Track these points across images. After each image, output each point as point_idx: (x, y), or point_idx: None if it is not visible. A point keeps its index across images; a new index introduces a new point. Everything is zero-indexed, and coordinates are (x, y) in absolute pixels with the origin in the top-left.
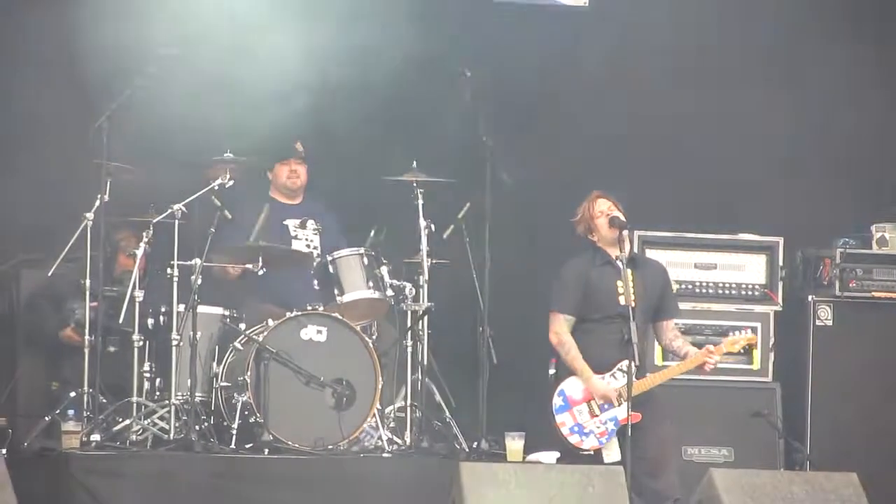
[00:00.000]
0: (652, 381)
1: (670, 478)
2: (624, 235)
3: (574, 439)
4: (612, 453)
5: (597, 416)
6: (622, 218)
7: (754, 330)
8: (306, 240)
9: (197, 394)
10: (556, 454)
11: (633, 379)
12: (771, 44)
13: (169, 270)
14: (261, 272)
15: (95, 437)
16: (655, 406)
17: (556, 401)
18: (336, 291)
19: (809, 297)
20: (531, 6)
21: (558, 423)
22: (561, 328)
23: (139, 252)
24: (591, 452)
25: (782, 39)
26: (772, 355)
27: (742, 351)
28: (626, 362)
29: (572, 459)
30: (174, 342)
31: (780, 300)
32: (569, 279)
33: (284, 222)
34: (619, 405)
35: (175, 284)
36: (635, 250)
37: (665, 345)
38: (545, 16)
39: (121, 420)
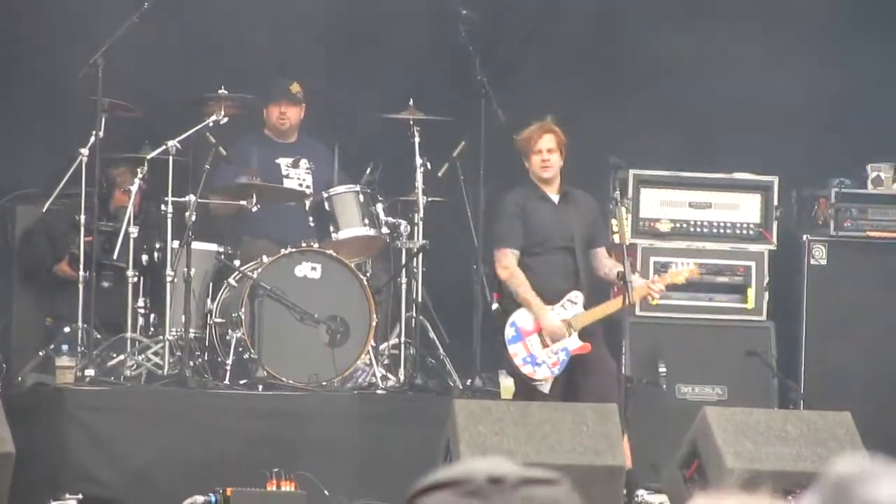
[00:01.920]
0: (600, 311)
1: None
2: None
3: (527, 370)
4: (545, 385)
5: (548, 346)
6: (618, 160)
7: (748, 269)
8: (298, 178)
9: (191, 330)
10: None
11: (575, 314)
12: None
13: (163, 207)
14: (255, 209)
15: (89, 372)
16: (601, 340)
17: (508, 331)
18: (331, 228)
19: (804, 237)
20: None
21: (511, 353)
22: (510, 262)
23: (133, 188)
24: (543, 382)
25: None
26: (766, 294)
27: (685, 282)
28: (574, 293)
29: (521, 391)
30: (168, 278)
31: (774, 239)
32: (508, 214)
33: (276, 160)
34: (569, 336)
35: (169, 221)
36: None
37: (604, 274)
38: None
39: (115, 355)
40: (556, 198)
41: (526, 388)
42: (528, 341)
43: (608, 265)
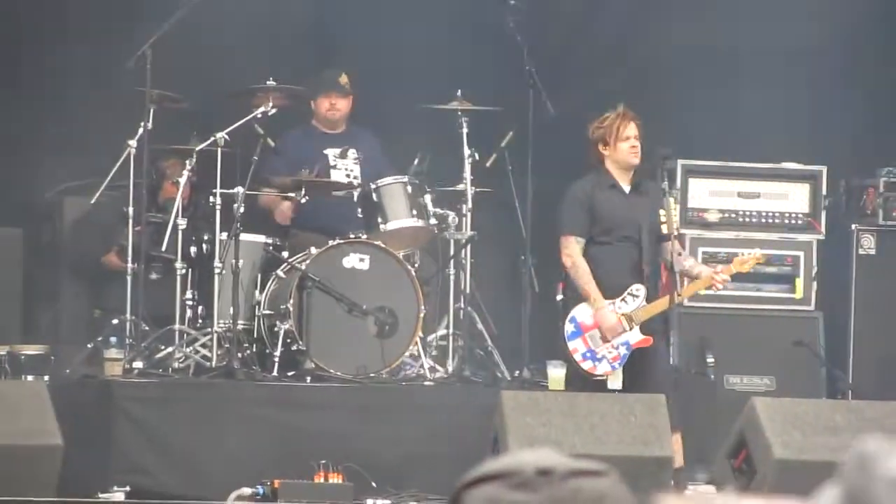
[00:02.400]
0: (661, 304)
1: (674, 407)
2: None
3: (587, 365)
4: (616, 381)
5: (608, 341)
6: (667, 150)
7: (796, 259)
8: (346, 169)
9: (239, 322)
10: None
11: (638, 307)
12: None
13: (212, 198)
14: (303, 200)
15: (138, 364)
16: (661, 337)
17: (568, 327)
18: (379, 219)
19: (853, 226)
20: None
21: (571, 349)
22: (574, 251)
23: (182, 180)
24: (605, 377)
25: None
26: (814, 284)
27: (752, 270)
28: (636, 286)
29: (580, 388)
30: (217, 270)
31: (822, 229)
32: (576, 201)
33: (325, 151)
34: (630, 329)
35: (218, 212)
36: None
37: (672, 265)
38: None
39: (163, 348)
40: (627, 188)
41: (584, 383)
42: (587, 336)
43: (677, 257)
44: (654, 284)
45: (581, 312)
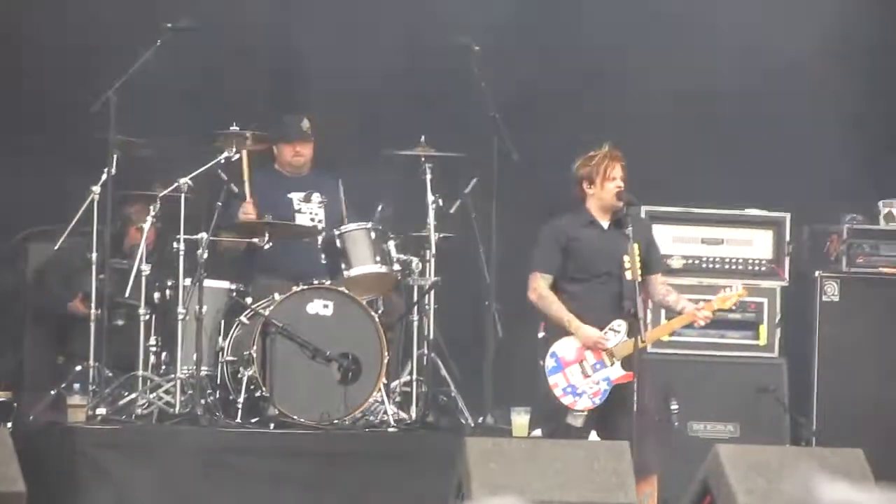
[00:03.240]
0: (645, 340)
1: (653, 449)
2: (625, 210)
3: (567, 400)
4: (579, 418)
5: (589, 376)
6: (632, 197)
7: (760, 305)
8: (311, 213)
9: (203, 368)
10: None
11: (619, 343)
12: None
13: (175, 244)
14: (266, 246)
15: (101, 410)
16: (644, 377)
17: (549, 362)
18: (343, 265)
19: (816, 273)
20: None
21: (551, 384)
22: (539, 284)
23: (146, 226)
24: (585, 413)
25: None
26: (778, 331)
27: (733, 308)
28: (617, 322)
29: (558, 424)
30: (180, 316)
31: (786, 276)
32: (547, 239)
33: (288, 195)
34: (612, 365)
35: (181, 258)
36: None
37: (658, 301)
38: None
39: (127, 394)
40: (605, 224)
41: (555, 420)
42: (567, 371)
43: (661, 292)
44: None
45: (562, 347)
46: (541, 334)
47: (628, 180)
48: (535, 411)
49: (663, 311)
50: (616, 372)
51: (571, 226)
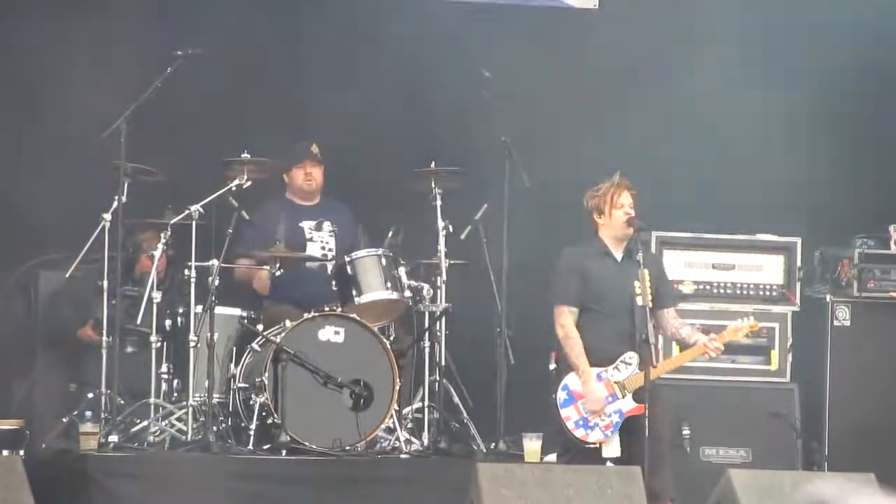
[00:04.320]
0: (656, 371)
1: (667, 477)
2: (636, 237)
3: (580, 433)
4: (612, 448)
5: (595, 413)
6: (640, 223)
7: (772, 330)
8: (321, 242)
9: (214, 395)
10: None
11: (629, 375)
12: (788, 40)
13: (186, 272)
14: (278, 273)
15: (113, 438)
16: (658, 403)
17: (561, 395)
18: (354, 292)
19: (827, 298)
20: (540, 8)
21: (563, 417)
22: (567, 321)
23: (157, 253)
24: (598, 445)
25: (800, 35)
26: (790, 356)
27: (746, 337)
28: (628, 354)
29: (574, 455)
30: (192, 343)
31: (797, 300)
32: (567, 270)
33: (300, 224)
34: (623, 397)
35: (193, 285)
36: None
37: (671, 334)
38: (555, 17)
39: (138, 421)
40: (619, 255)
41: (576, 453)
42: (580, 404)
43: (674, 325)
44: (647, 353)
45: (573, 381)
46: (552, 366)
47: (639, 208)
48: (550, 442)
49: (674, 344)
50: (628, 404)
51: (587, 255)
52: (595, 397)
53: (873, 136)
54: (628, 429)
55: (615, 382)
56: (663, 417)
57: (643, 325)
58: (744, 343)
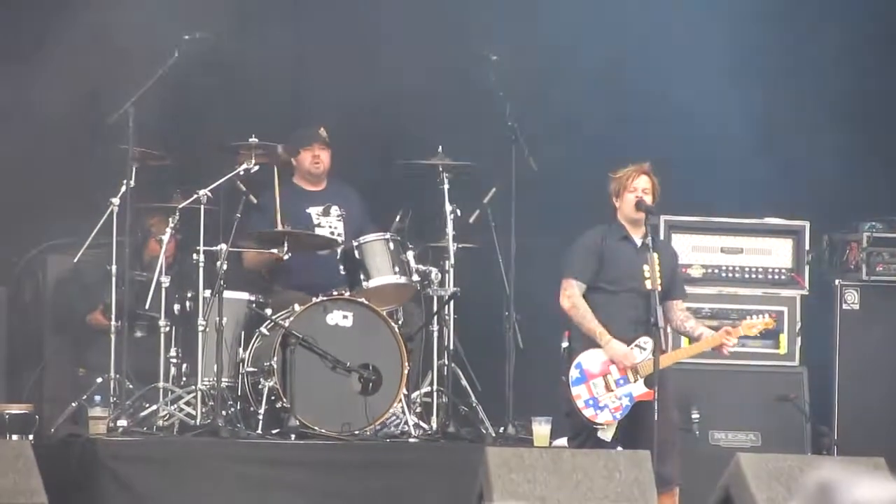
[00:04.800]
0: (668, 359)
1: (675, 463)
2: (647, 220)
3: (589, 412)
4: (607, 432)
5: (612, 390)
6: (648, 203)
7: (780, 314)
8: (329, 226)
9: (223, 379)
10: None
11: (643, 360)
12: (794, 25)
13: (195, 256)
14: (286, 257)
15: (122, 422)
16: (668, 389)
17: (573, 373)
18: (362, 276)
19: (836, 281)
20: None
21: (574, 395)
22: (573, 292)
23: (165, 238)
24: (605, 426)
25: (809, 23)
26: (798, 339)
27: (759, 335)
28: (643, 339)
29: (585, 439)
30: (200, 328)
31: (806, 284)
32: (585, 248)
33: (307, 209)
34: (635, 381)
35: (201, 270)
36: (657, 234)
37: (676, 326)
38: None
39: (147, 406)
40: (638, 241)
41: (584, 434)
42: (591, 384)
43: (680, 318)
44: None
45: (587, 359)
46: (564, 344)
47: (663, 196)
48: (561, 424)
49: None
50: (639, 389)
51: (609, 237)
52: (621, 353)
53: (883, 119)
54: (638, 414)
55: (629, 366)
56: (672, 403)
57: (654, 309)
58: None
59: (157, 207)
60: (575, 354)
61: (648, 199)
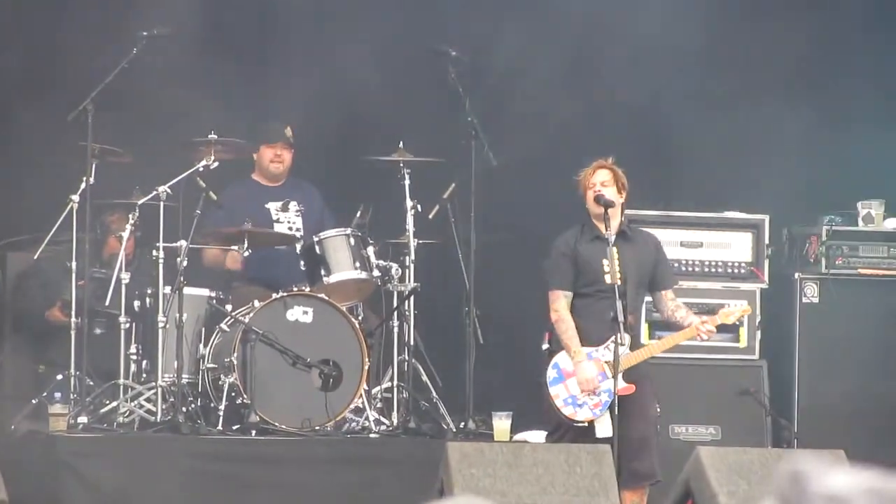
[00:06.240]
0: (645, 353)
1: (652, 459)
2: (610, 213)
3: (568, 411)
4: (604, 427)
5: (586, 391)
6: (607, 197)
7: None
8: (288, 222)
9: (184, 375)
10: (544, 433)
11: (620, 355)
12: (754, 18)
13: (154, 253)
14: (246, 254)
15: (82, 419)
16: (647, 384)
17: (551, 373)
18: (322, 272)
19: (796, 275)
20: None
21: (552, 395)
22: (561, 306)
23: (125, 234)
24: (586, 424)
25: (768, 14)
26: (758, 333)
27: (739, 323)
28: (620, 335)
29: (563, 433)
30: (160, 324)
31: (766, 278)
32: (559, 255)
33: (266, 205)
34: (612, 377)
35: (161, 266)
36: (627, 225)
37: (667, 316)
38: None
39: (108, 402)
40: (612, 238)
41: (566, 431)
42: (569, 383)
43: (670, 307)
44: (639, 332)
45: (564, 359)
46: (545, 346)
47: (624, 190)
48: (541, 421)
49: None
50: (617, 384)
51: (580, 240)
52: (586, 377)
53: (841, 113)
54: (620, 409)
55: (605, 362)
56: (651, 399)
57: (616, 304)
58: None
59: (117, 204)
60: (554, 355)
61: (610, 192)
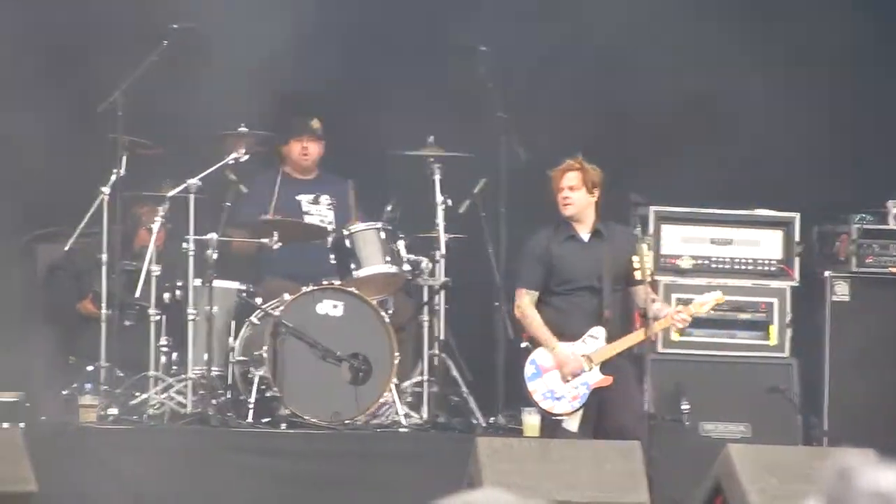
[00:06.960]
0: (621, 345)
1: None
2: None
3: (546, 405)
4: (572, 422)
5: (568, 380)
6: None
7: (770, 305)
8: (319, 215)
9: (213, 368)
10: (577, 421)
11: (597, 349)
12: (788, 17)
13: (185, 245)
14: (276, 246)
15: (112, 411)
16: (627, 376)
17: (528, 369)
18: (352, 265)
19: (826, 273)
20: None
21: (531, 390)
22: (523, 302)
23: (156, 226)
24: (564, 417)
25: (801, 14)
26: (788, 331)
27: (711, 312)
28: (595, 329)
29: (553, 430)
30: (190, 317)
31: (796, 276)
32: (530, 256)
33: (297, 198)
34: (590, 370)
35: (191, 259)
36: (603, 222)
37: (647, 311)
38: None
39: (138, 394)
40: (586, 236)
41: (553, 427)
42: (546, 378)
43: (653, 304)
44: (617, 327)
45: (540, 355)
46: (524, 344)
47: (598, 186)
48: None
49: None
50: (594, 376)
51: (553, 240)
52: (567, 362)
53: (873, 111)
54: (603, 403)
55: (582, 355)
56: (634, 391)
57: (637, 300)
58: (742, 318)
59: (147, 196)
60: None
61: (578, 195)
